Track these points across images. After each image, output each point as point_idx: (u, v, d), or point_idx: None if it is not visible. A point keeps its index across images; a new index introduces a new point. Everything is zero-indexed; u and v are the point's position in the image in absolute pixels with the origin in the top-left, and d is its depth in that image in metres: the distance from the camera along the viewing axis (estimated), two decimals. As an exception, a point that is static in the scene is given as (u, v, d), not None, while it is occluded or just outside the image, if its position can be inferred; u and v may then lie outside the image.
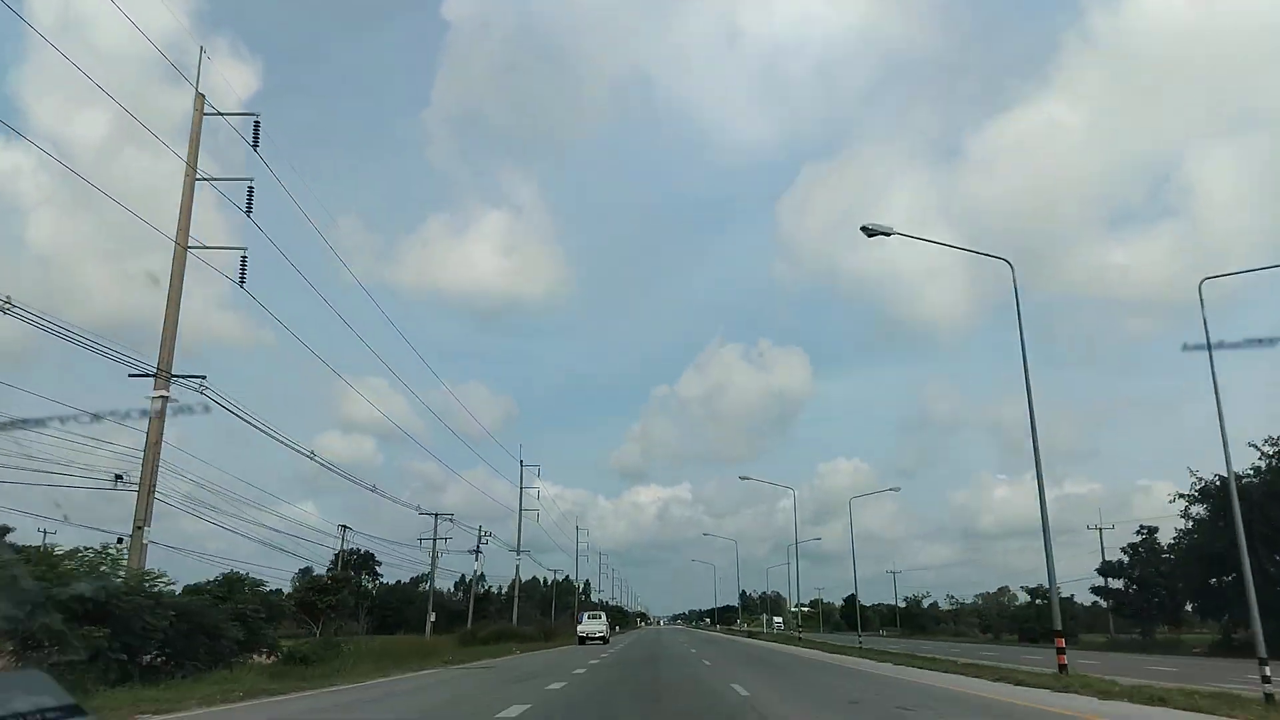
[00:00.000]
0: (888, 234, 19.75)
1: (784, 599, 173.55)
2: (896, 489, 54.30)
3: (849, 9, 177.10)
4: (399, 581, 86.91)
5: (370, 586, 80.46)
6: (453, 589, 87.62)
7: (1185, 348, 15.32)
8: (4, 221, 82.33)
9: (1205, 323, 15.46)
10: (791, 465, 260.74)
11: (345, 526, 55.32)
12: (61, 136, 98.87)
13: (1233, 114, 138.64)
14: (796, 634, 76.61)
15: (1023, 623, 72.21)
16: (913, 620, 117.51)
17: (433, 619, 54.68)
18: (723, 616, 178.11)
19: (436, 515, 54.18)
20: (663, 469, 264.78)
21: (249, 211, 19.05)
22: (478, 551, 58.18)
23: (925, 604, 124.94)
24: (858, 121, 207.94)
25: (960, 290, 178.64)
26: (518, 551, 62.16)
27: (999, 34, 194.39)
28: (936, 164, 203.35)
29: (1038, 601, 68.92)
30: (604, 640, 51.00)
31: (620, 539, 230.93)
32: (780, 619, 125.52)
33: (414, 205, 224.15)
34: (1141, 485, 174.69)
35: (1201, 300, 15.88)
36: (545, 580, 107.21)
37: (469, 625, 55.16)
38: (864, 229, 19.77)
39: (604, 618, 57.41)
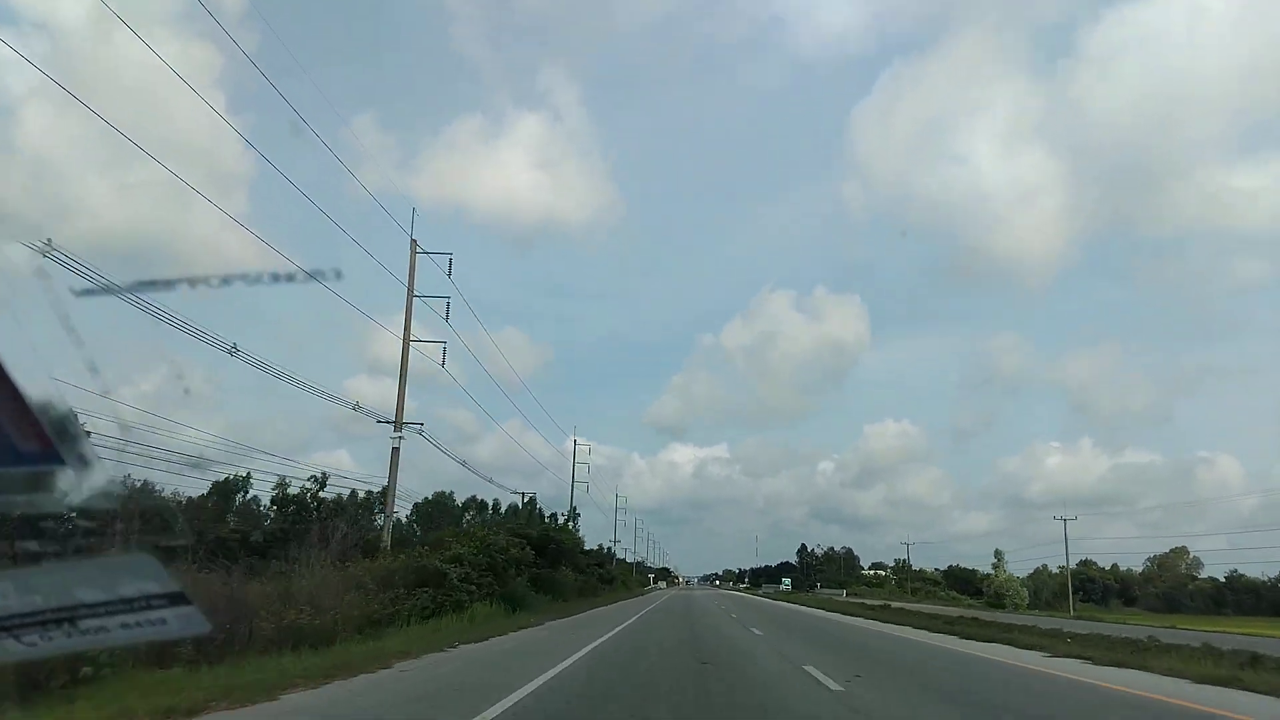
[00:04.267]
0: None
1: (856, 557, 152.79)
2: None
3: None
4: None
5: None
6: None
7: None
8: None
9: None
10: (841, 425, 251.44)
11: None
12: (52, 19, 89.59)
13: None
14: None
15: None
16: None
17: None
18: (771, 578, 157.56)
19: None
20: (702, 427, 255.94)
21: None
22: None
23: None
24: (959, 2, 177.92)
25: (1054, 217, 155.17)
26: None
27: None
28: (1043, 62, 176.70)
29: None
30: None
31: (655, 497, 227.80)
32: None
33: (438, 102, 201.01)
34: (1203, 457, 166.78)
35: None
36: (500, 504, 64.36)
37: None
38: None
39: None
